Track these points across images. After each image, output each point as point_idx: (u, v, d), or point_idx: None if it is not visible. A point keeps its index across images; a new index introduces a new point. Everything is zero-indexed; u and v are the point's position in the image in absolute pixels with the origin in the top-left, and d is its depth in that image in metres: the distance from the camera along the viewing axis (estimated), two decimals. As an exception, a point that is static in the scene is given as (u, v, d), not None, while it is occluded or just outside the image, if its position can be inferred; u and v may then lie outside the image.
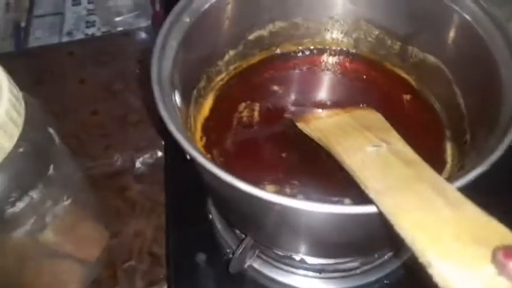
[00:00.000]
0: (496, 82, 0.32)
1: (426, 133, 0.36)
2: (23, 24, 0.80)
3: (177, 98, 0.33)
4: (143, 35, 0.73)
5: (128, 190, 0.58)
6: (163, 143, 0.61)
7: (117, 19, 0.79)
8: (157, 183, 0.58)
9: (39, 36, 0.79)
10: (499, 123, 0.30)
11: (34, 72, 0.67)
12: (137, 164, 0.60)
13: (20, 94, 0.35)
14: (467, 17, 0.36)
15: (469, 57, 0.37)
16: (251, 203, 0.27)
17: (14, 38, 0.78)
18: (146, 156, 0.60)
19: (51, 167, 0.37)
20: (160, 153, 0.60)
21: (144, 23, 0.78)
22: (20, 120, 0.34)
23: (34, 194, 0.36)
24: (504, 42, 0.33)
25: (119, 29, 0.78)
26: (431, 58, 0.42)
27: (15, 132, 0.33)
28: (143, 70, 0.69)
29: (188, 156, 0.29)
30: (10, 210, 0.34)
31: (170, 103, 0.30)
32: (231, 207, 0.33)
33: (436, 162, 0.38)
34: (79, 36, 0.79)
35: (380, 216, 0.24)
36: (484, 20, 0.34)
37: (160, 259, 0.52)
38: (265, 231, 0.33)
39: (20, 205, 0.35)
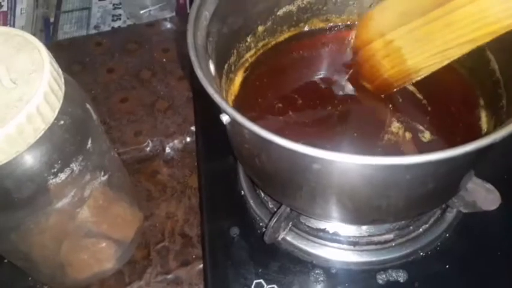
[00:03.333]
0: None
1: (460, 104, 0.36)
2: (51, 19, 0.83)
3: (211, 68, 0.34)
4: (168, 25, 0.74)
5: (158, 174, 0.59)
6: (191, 128, 0.62)
7: (142, 12, 0.80)
8: (186, 167, 0.59)
9: (68, 31, 0.81)
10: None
11: (64, 64, 0.68)
12: (167, 149, 0.61)
13: (59, 69, 0.36)
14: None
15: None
16: (292, 162, 0.28)
17: (44, 32, 0.80)
18: (176, 141, 0.61)
19: (90, 140, 0.38)
20: (188, 139, 0.61)
21: (168, 14, 0.80)
22: (61, 93, 0.35)
23: (75, 166, 0.37)
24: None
25: (145, 21, 0.80)
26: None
27: (57, 104, 0.34)
28: (169, 59, 0.70)
29: (225, 120, 0.30)
30: (53, 181, 0.35)
31: (206, 70, 0.31)
32: (269, 174, 0.33)
33: (472, 131, 0.38)
34: (105, 30, 0.81)
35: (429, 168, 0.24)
36: None
37: (191, 240, 0.53)
38: (304, 195, 0.33)
39: (62, 176, 0.36)
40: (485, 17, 0.29)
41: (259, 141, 0.27)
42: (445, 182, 0.31)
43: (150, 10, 0.81)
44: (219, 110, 0.31)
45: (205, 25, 0.34)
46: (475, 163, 0.33)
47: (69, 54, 0.70)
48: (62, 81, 0.36)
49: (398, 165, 0.24)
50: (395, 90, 0.38)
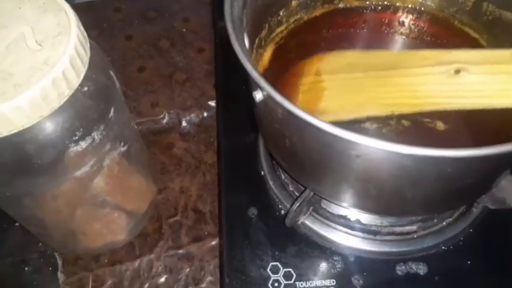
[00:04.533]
0: None
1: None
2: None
3: (246, 41, 0.32)
4: (189, -7, 0.71)
5: (174, 148, 0.58)
6: (209, 103, 0.60)
7: (163, -22, 0.77)
8: (202, 142, 0.58)
9: (86, -6, 0.79)
10: None
11: (82, 28, 0.67)
12: (184, 123, 0.60)
13: (85, 33, 0.35)
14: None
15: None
16: (328, 146, 0.26)
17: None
18: (193, 115, 0.60)
19: (112, 109, 0.37)
20: (205, 114, 0.60)
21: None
22: (86, 58, 0.34)
23: (96, 135, 0.36)
24: None
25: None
26: (508, 16, 0.40)
27: (82, 69, 0.33)
28: (189, 29, 0.68)
29: (258, 98, 0.28)
30: (74, 148, 0.34)
31: (242, 43, 0.29)
32: (299, 156, 0.32)
33: (505, 125, 0.37)
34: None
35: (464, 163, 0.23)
36: None
37: (204, 216, 0.52)
38: (334, 182, 0.32)
39: (82, 144, 0.35)
40: (415, 91, 0.30)
41: (294, 122, 0.26)
42: (482, 178, 0.30)
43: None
44: (252, 87, 0.29)
45: (242, -5, 0.32)
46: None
47: (86, 19, 0.66)
48: (88, 46, 0.34)
49: (446, 158, 0.23)
50: None
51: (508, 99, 0.27)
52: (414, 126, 0.36)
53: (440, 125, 0.37)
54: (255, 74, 0.26)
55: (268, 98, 0.28)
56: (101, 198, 0.44)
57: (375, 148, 0.23)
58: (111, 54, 0.65)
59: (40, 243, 0.50)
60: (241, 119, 0.46)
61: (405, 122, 0.37)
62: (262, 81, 0.26)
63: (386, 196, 0.31)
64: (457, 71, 0.28)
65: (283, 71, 0.43)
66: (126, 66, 0.64)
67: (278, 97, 0.25)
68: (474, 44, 0.42)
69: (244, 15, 0.32)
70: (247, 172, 0.46)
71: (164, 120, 0.60)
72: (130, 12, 0.70)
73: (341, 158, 0.27)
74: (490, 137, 0.35)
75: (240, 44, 0.28)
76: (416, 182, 0.28)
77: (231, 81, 0.51)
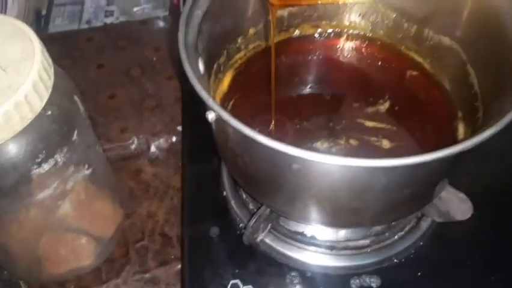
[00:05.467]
0: (511, 58, 0.33)
1: (438, 114, 0.37)
2: (43, 12, 0.82)
3: (201, 66, 0.34)
4: (160, 23, 0.74)
5: (142, 173, 0.59)
6: (178, 128, 0.62)
7: (135, 9, 0.81)
8: (171, 167, 0.59)
9: (59, 24, 0.81)
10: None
11: (54, 57, 0.68)
12: (152, 148, 0.61)
13: (50, 59, 0.37)
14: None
15: (483, 35, 0.38)
16: (273, 161, 0.28)
17: (34, 25, 0.80)
18: (161, 140, 0.61)
19: (76, 132, 0.38)
20: (174, 138, 0.61)
21: (162, 13, 0.80)
22: (50, 83, 0.35)
23: (59, 158, 0.37)
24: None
25: (138, 19, 0.80)
26: (446, 40, 0.43)
27: (45, 94, 0.34)
28: (160, 58, 0.70)
29: (210, 118, 0.30)
30: (36, 171, 0.35)
31: (195, 67, 0.32)
32: (250, 173, 0.34)
33: (448, 141, 0.39)
34: (97, 25, 0.81)
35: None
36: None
37: (171, 240, 0.53)
38: (282, 196, 0.34)
39: (45, 166, 0.36)
40: None
41: (242, 139, 0.28)
42: (420, 188, 0.32)
43: (144, 8, 0.81)
44: (205, 108, 0.31)
45: (197, 23, 0.35)
46: (449, 171, 0.34)
47: (59, 48, 0.70)
48: (52, 71, 0.36)
49: (373, 168, 0.25)
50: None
51: None
52: (361, 145, 0.39)
53: (385, 144, 0.40)
54: (204, 95, 0.28)
55: (218, 118, 0.30)
56: (68, 223, 0.45)
57: (309, 160, 0.25)
58: (83, 82, 0.66)
59: (6, 272, 0.50)
60: (206, 143, 0.47)
61: (353, 141, 0.40)
62: (210, 101, 0.28)
63: (330, 208, 0.33)
64: None
65: (243, 95, 0.45)
66: (97, 94, 0.66)
67: (224, 114, 0.27)
68: (418, 68, 0.46)
69: (200, 42, 0.35)
70: (210, 193, 0.47)
71: (133, 146, 0.61)
72: (102, 42, 0.72)
73: (284, 173, 0.29)
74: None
75: (192, 68, 0.30)
76: (353, 193, 0.30)
77: (197, 106, 0.52)
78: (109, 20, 0.81)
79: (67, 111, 0.38)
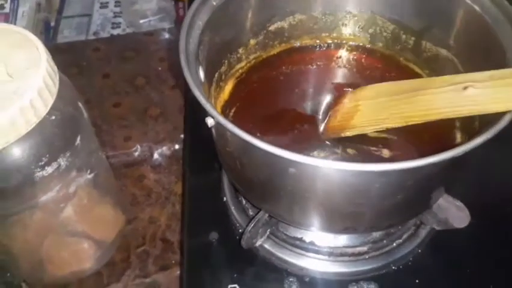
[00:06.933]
0: (503, 67, 0.33)
1: (437, 124, 0.38)
2: (52, 23, 0.85)
3: (201, 74, 0.35)
4: (166, 35, 0.76)
5: (145, 179, 0.60)
6: (181, 136, 0.63)
7: (142, 21, 0.82)
8: (173, 174, 0.60)
9: (67, 35, 0.83)
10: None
11: (62, 65, 0.70)
12: (155, 155, 0.62)
13: (55, 67, 0.38)
14: (475, 7, 0.38)
15: (478, 47, 0.39)
16: (269, 165, 0.29)
17: (43, 35, 0.82)
18: (164, 148, 0.62)
19: (79, 137, 0.39)
20: (177, 146, 0.62)
21: (167, 25, 0.82)
22: (54, 90, 0.36)
23: (62, 161, 0.38)
24: (511, 28, 0.35)
25: (143, 30, 0.82)
26: (443, 52, 0.44)
27: (50, 99, 0.36)
28: (165, 68, 0.72)
29: (210, 123, 0.31)
30: (40, 173, 0.36)
31: (195, 75, 0.33)
32: (248, 178, 0.35)
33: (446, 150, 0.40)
34: (104, 36, 0.82)
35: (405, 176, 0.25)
36: (491, 9, 0.37)
37: (172, 245, 0.54)
38: (280, 201, 0.34)
39: (48, 170, 0.37)
40: (427, 105, 0.36)
41: (239, 142, 0.28)
42: (414, 194, 0.33)
43: (150, 20, 0.83)
44: (205, 114, 0.32)
45: (198, 34, 0.36)
46: (445, 178, 0.35)
47: (67, 58, 0.72)
48: (57, 78, 0.37)
49: (365, 172, 0.26)
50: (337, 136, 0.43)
51: (499, 104, 0.31)
52: (360, 155, 0.40)
53: (386, 153, 0.41)
54: (202, 100, 0.29)
55: (217, 123, 0.30)
56: (70, 226, 0.45)
57: (304, 164, 0.26)
58: (89, 91, 0.68)
59: (9, 274, 0.51)
60: (207, 149, 0.48)
61: (350, 151, 0.40)
62: (208, 106, 0.29)
63: (326, 212, 0.34)
64: (465, 88, 0.32)
65: (244, 103, 0.46)
66: (103, 102, 0.67)
67: (221, 119, 0.28)
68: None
69: (200, 51, 0.36)
70: (210, 199, 0.48)
71: (137, 153, 0.62)
72: (109, 52, 0.73)
73: (281, 177, 0.30)
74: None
75: (192, 74, 0.31)
76: (348, 197, 0.31)
77: (197, 114, 0.53)
78: (116, 32, 0.83)
79: (71, 117, 0.39)
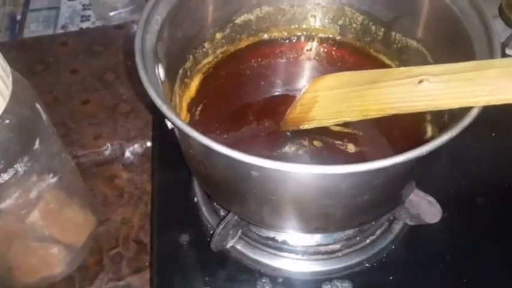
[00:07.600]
0: (471, 59, 0.32)
1: (408, 117, 0.37)
2: (18, 17, 0.81)
3: (161, 72, 0.34)
4: (136, 28, 0.73)
5: (116, 178, 0.58)
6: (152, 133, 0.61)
7: (112, 14, 0.80)
8: (145, 173, 0.58)
9: (34, 30, 0.80)
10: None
11: (27, 62, 0.67)
12: (127, 154, 0.60)
13: (8, 68, 0.36)
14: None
15: (446, 38, 0.38)
16: (230, 169, 0.28)
17: (9, 30, 0.79)
18: (136, 146, 0.61)
19: (37, 141, 0.38)
20: (149, 144, 0.61)
21: (138, 17, 0.79)
22: (7, 92, 0.34)
23: (19, 167, 0.36)
24: (478, 20, 0.34)
25: (114, 23, 0.79)
26: (412, 43, 0.43)
27: (2, 103, 0.34)
28: (134, 63, 0.70)
29: (169, 125, 0.30)
30: (-5, 181, 0.35)
31: (152, 73, 0.31)
32: (213, 180, 0.33)
33: (417, 144, 0.39)
34: (73, 30, 0.80)
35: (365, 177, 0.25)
36: (460, 0, 0.36)
37: (146, 246, 0.52)
38: (246, 203, 0.33)
39: (4, 176, 0.35)
40: (384, 99, 0.35)
41: (201, 147, 0.27)
42: (384, 192, 0.32)
43: (120, 12, 0.81)
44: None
45: (156, 29, 0.34)
46: (414, 174, 0.34)
47: (33, 53, 0.69)
48: (9, 80, 0.35)
49: (327, 175, 0.25)
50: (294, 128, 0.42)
51: (452, 100, 0.30)
52: (325, 147, 0.39)
53: (351, 148, 0.40)
54: (158, 101, 0.27)
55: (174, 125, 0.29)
56: (37, 231, 0.44)
57: (266, 168, 0.25)
58: (56, 88, 0.66)
59: (-22, 282, 0.49)
60: (177, 148, 0.47)
61: (316, 143, 0.39)
62: (164, 108, 0.27)
63: (293, 214, 0.33)
64: (420, 81, 0.31)
65: (212, 100, 0.44)
66: (71, 100, 0.65)
67: (178, 121, 0.26)
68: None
69: (160, 47, 0.34)
70: (180, 200, 0.46)
71: (107, 152, 0.60)
72: (77, 47, 0.71)
73: (244, 180, 0.29)
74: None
75: (148, 74, 0.29)
76: (314, 199, 0.30)
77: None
78: (85, 25, 0.81)
79: (27, 120, 0.37)
